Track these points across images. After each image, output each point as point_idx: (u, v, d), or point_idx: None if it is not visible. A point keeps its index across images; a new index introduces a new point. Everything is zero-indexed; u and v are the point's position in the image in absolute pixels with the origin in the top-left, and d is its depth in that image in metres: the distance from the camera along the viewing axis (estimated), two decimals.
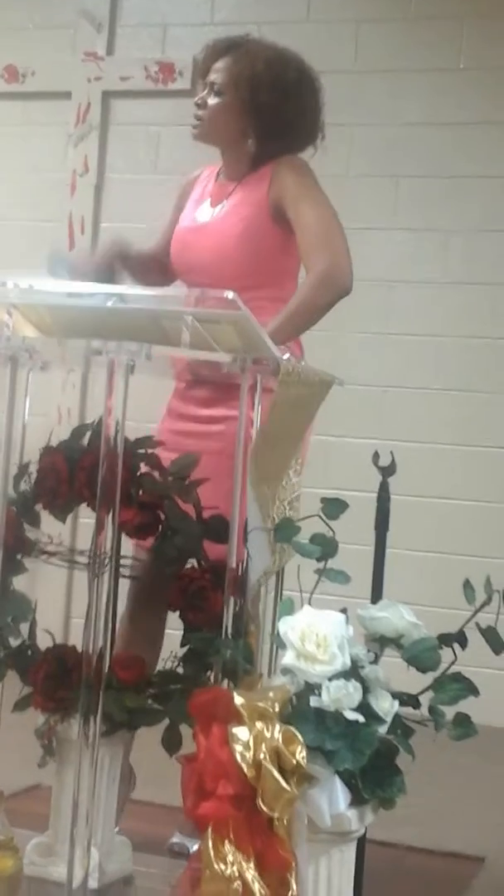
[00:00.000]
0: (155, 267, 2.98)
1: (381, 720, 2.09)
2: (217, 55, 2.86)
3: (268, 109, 2.81)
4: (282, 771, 1.96)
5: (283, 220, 2.78)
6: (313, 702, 2.05)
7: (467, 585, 2.20)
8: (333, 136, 4.75)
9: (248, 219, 2.80)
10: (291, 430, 2.45)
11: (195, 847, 2.65)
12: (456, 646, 2.22)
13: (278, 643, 2.13)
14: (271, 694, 2.06)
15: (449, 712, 2.18)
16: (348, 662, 2.08)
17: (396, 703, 2.12)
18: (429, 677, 2.19)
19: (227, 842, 1.96)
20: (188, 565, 2.48)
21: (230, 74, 2.82)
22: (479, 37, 4.74)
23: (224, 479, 2.46)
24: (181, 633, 2.49)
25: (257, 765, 1.96)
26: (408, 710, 2.17)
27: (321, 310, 2.74)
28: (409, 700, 2.18)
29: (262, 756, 1.96)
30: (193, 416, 2.80)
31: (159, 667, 2.54)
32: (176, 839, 2.78)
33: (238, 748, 1.97)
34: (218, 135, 2.88)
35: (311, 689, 2.07)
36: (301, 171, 2.81)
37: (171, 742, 2.40)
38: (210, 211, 2.88)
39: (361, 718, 2.05)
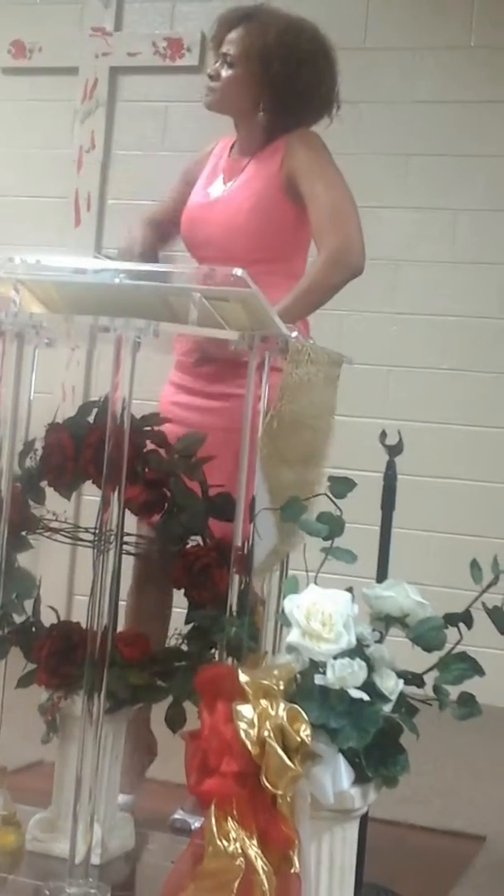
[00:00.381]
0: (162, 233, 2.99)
1: (385, 699, 2.09)
2: (230, 26, 2.84)
3: (280, 81, 2.78)
4: (286, 748, 1.96)
5: (295, 194, 2.76)
6: (318, 680, 2.05)
7: (474, 565, 2.19)
8: (343, 114, 4.78)
9: (259, 193, 2.78)
10: (310, 415, 2.43)
11: (197, 824, 2.67)
12: (461, 626, 2.22)
13: (283, 621, 2.13)
14: (276, 672, 2.07)
15: (453, 692, 2.19)
16: (353, 641, 2.08)
17: (401, 682, 2.12)
18: (434, 657, 2.20)
19: (230, 818, 1.96)
20: (192, 542, 2.48)
21: (243, 46, 2.79)
22: (490, 15, 4.71)
23: (226, 456, 2.46)
24: (186, 610, 2.49)
25: (261, 742, 1.96)
26: (412, 689, 2.17)
27: (332, 289, 2.73)
28: (413, 679, 2.18)
29: (266, 733, 1.96)
30: (197, 391, 2.79)
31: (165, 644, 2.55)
32: (178, 815, 2.79)
33: (242, 725, 1.97)
34: (230, 106, 2.86)
35: (316, 667, 2.07)
36: (315, 145, 2.80)
37: (175, 719, 2.40)
38: (223, 187, 2.86)
39: (366, 697, 2.05)
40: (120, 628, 2.54)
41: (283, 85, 2.79)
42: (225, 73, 2.83)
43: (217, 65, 2.84)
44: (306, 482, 2.40)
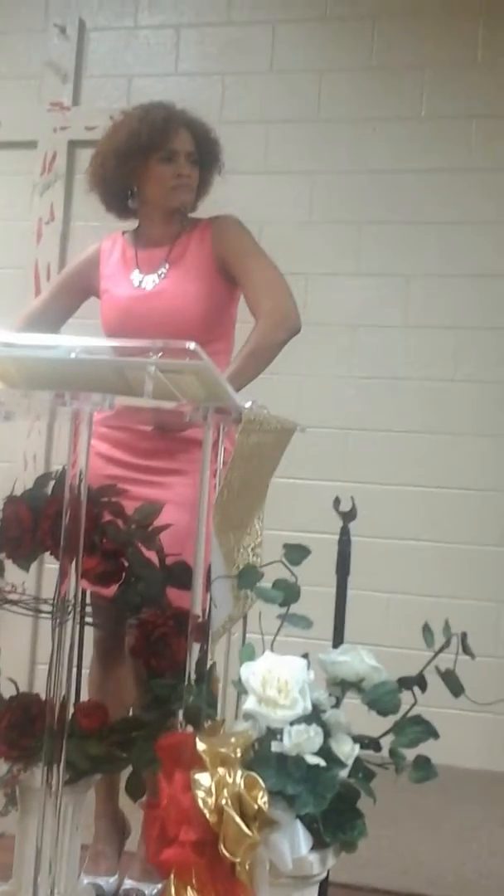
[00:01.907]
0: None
1: (342, 764, 2.11)
2: (177, 126, 2.94)
3: (213, 176, 3.03)
4: (243, 816, 1.98)
5: (227, 275, 2.92)
6: (275, 746, 2.07)
7: (426, 629, 2.23)
8: (297, 184, 4.89)
9: (199, 278, 2.90)
10: (255, 478, 2.48)
11: (149, 891, 2.68)
12: (416, 689, 2.25)
13: (239, 688, 2.16)
14: (233, 739, 2.09)
15: (409, 755, 2.21)
16: (309, 707, 2.11)
17: (357, 746, 2.15)
18: (389, 720, 2.23)
19: (189, 888, 1.97)
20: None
21: (208, 146, 2.98)
22: (440, 86, 4.84)
23: (174, 530, 2.52)
24: None
25: (219, 810, 1.98)
26: (369, 753, 2.20)
27: (277, 347, 2.84)
28: (369, 743, 2.21)
29: (223, 801, 1.98)
30: (135, 465, 2.85)
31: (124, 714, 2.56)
32: (128, 885, 2.80)
33: (200, 794, 1.99)
34: (194, 202, 3.03)
35: (273, 733, 2.09)
36: (240, 229, 2.98)
37: (135, 789, 2.41)
38: (151, 277, 2.94)
39: (323, 762, 2.07)
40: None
41: (212, 178, 3.05)
42: (194, 172, 2.97)
43: (185, 163, 2.94)
44: (243, 544, 2.44)
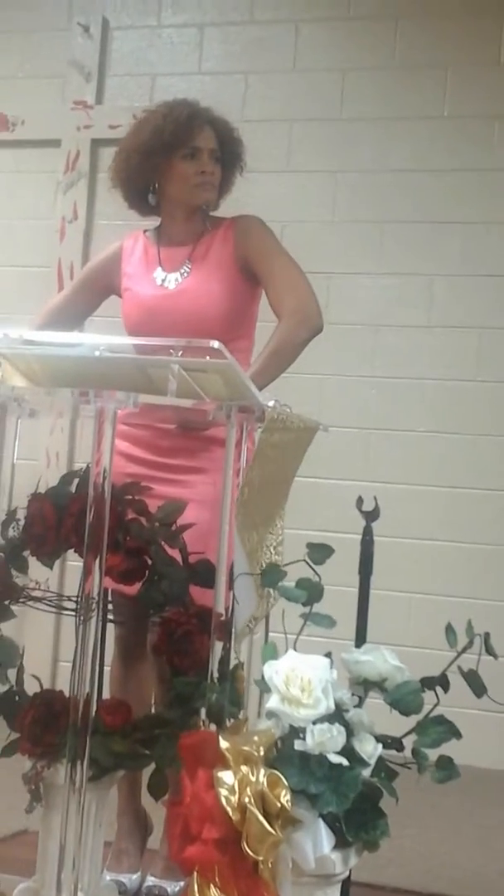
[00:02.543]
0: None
1: (364, 763, 2.12)
2: (201, 123, 2.94)
3: (235, 175, 3.03)
4: (266, 814, 1.99)
5: (249, 273, 2.92)
6: (298, 745, 2.07)
7: (449, 629, 2.23)
8: (320, 183, 4.89)
9: (223, 278, 2.91)
10: (278, 477, 2.48)
11: (172, 888, 2.69)
12: (438, 689, 2.25)
13: (262, 687, 2.16)
14: (256, 738, 2.09)
15: (432, 755, 2.21)
16: (332, 706, 2.11)
17: (380, 746, 2.15)
18: (412, 720, 2.22)
19: (212, 886, 1.97)
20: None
21: (231, 145, 2.98)
22: (463, 85, 4.83)
23: (194, 529, 2.52)
24: None
25: (242, 808, 1.98)
26: (391, 753, 2.20)
27: (300, 346, 2.84)
28: (392, 743, 2.21)
29: (246, 800, 1.98)
30: (155, 463, 2.85)
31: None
32: (150, 882, 2.80)
33: (223, 792, 1.99)
34: (217, 201, 3.03)
35: (296, 732, 2.09)
36: (263, 229, 2.98)
37: (158, 787, 2.41)
38: (173, 276, 2.95)
39: (345, 762, 2.08)
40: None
41: (235, 177, 3.05)
42: (217, 169, 2.97)
43: (208, 161, 2.94)
44: (265, 543, 2.45)
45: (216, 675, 2.34)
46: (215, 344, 2.24)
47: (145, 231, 3.08)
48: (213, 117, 2.98)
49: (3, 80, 5.36)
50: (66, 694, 2.33)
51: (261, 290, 2.95)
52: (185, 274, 2.93)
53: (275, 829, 1.98)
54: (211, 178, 2.95)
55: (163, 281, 2.95)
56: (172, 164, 2.93)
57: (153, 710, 2.67)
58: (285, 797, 2.00)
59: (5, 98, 5.30)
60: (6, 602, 2.51)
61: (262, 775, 2.01)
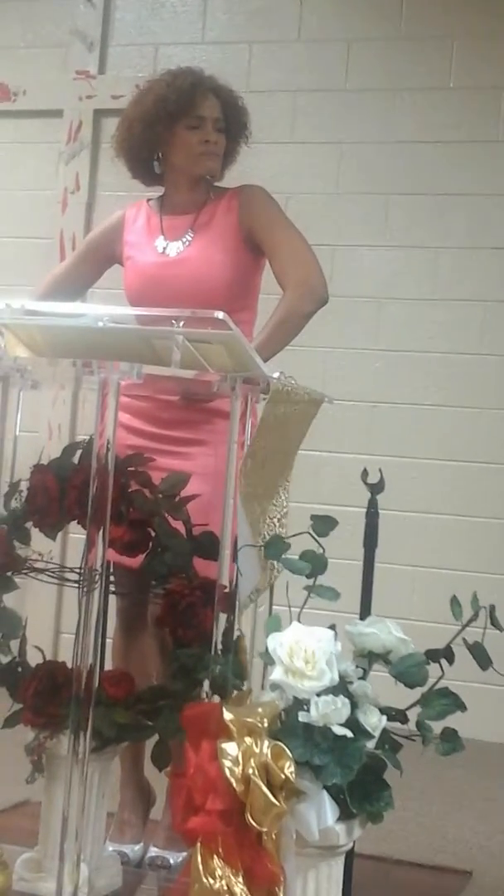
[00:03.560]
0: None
1: (369, 735, 2.11)
2: (204, 92, 2.91)
3: (241, 143, 3.01)
4: (270, 786, 1.98)
5: (253, 244, 2.90)
6: (302, 717, 2.07)
7: (454, 601, 2.22)
8: (324, 154, 4.86)
9: (225, 247, 2.88)
10: (281, 449, 2.47)
11: (174, 859, 2.70)
12: (443, 661, 2.24)
13: (266, 659, 2.15)
14: (260, 709, 2.09)
15: (436, 727, 2.21)
16: (336, 678, 2.10)
17: (384, 718, 2.15)
18: (416, 692, 2.22)
19: (215, 856, 1.98)
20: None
21: (236, 113, 2.95)
22: (469, 56, 4.78)
23: (201, 500, 2.52)
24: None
25: (246, 780, 1.98)
26: (395, 725, 2.20)
27: (305, 318, 2.83)
28: (396, 715, 2.20)
29: (250, 771, 1.98)
30: (155, 435, 2.83)
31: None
32: (154, 852, 2.81)
33: (227, 763, 1.99)
34: (221, 170, 2.99)
35: (300, 704, 2.09)
36: (267, 199, 2.96)
37: (161, 758, 2.41)
38: (175, 244, 2.92)
39: (349, 733, 2.07)
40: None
41: (237, 148, 3.02)
42: (220, 139, 2.94)
43: (212, 130, 2.91)
44: (269, 515, 2.44)
45: (220, 646, 2.33)
46: (220, 314, 2.22)
47: (148, 200, 3.05)
48: (218, 86, 2.96)
49: (5, 49, 5.32)
50: (69, 665, 2.33)
51: (264, 261, 2.93)
52: (187, 242, 2.91)
53: (278, 801, 1.98)
54: (214, 147, 2.93)
55: (164, 249, 2.93)
56: (176, 133, 2.90)
57: (155, 683, 2.67)
58: (289, 769, 2.00)
59: (7, 68, 5.26)
60: (9, 573, 2.50)
61: (265, 747, 2.01)
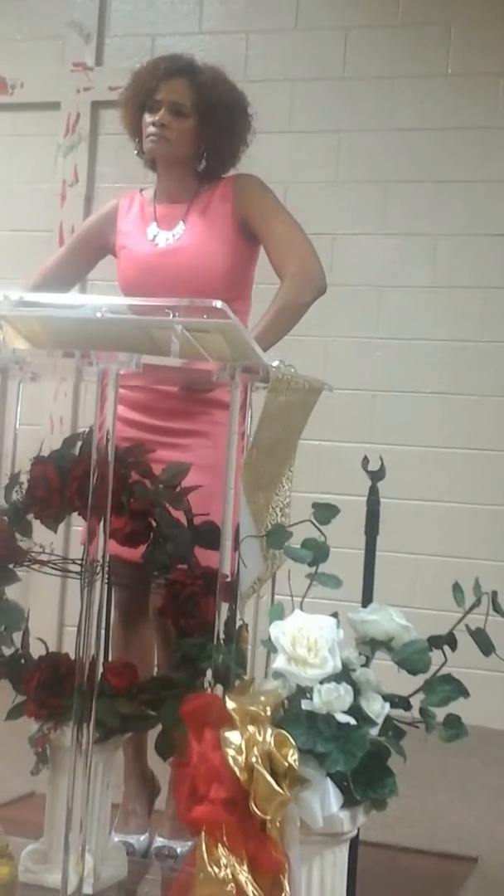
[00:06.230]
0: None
1: (372, 722, 2.11)
2: (167, 75, 2.89)
3: (225, 131, 2.92)
4: (274, 774, 1.98)
5: (248, 234, 2.89)
6: (305, 705, 2.06)
7: (456, 588, 2.22)
8: (323, 143, 4.85)
9: (220, 236, 2.87)
10: (283, 438, 2.47)
11: (181, 849, 2.70)
12: (446, 648, 2.24)
13: (269, 648, 2.15)
14: (263, 698, 2.08)
15: (440, 714, 2.21)
16: (339, 666, 2.10)
17: (387, 705, 2.14)
18: (419, 679, 2.22)
19: (220, 845, 1.97)
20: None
21: (198, 97, 2.88)
22: (467, 43, 4.78)
23: (201, 491, 2.52)
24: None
25: (249, 768, 1.98)
26: (399, 712, 2.19)
27: (303, 307, 2.83)
28: (399, 702, 2.20)
29: (254, 759, 1.98)
30: (153, 427, 2.82)
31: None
32: (160, 842, 2.81)
33: (230, 752, 1.99)
34: (177, 155, 2.92)
35: (303, 692, 2.09)
36: (262, 189, 2.94)
37: (165, 747, 2.41)
38: (169, 234, 2.91)
39: (353, 721, 2.07)
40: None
41: (226, 135, 2.92)
42: (178, 122, 2.88)
43: (163, 113, 2.88)
44: (272, 505, 2.43)
45: (222, 636, 2.33)
46: (217, 303, 2.22)
47: (142, 189, 3.05)
48: (195, 71, 2.92)
49: (2, 42, 5.32)
50: (72, 657, 2.33)
51: (259, 251, 2.92)
52: (182, 231, 2.89)
53: (282, 789, 1.97)
54: (162, 130, 2.87)
55: (156, 237, 2.92)
56: (142, 118, 2.92)
57: (155, 673, 2.67)
58: (293, 756, 1.99)
59: (4, 60, 5.26)
60: (11, 565, 2.50)
61: (269, 735, 2.01)
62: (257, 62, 4.96)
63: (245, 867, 1.98)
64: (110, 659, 2.61)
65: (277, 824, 1.99)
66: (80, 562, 2.26)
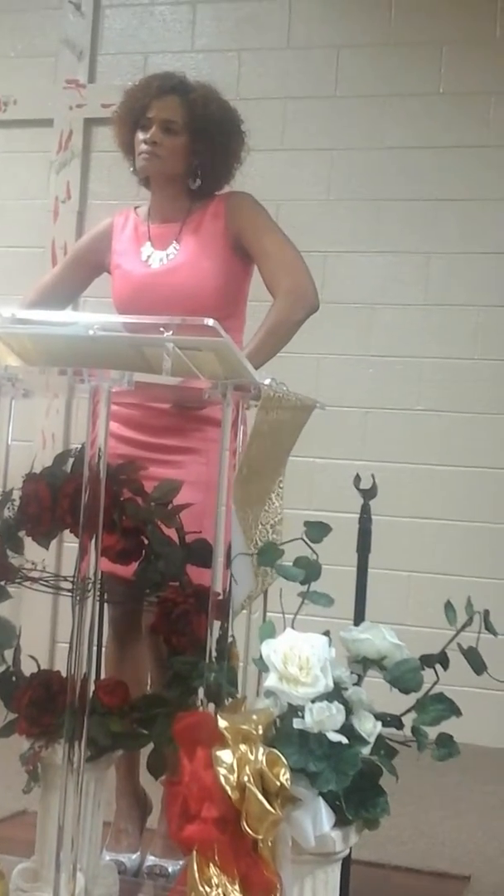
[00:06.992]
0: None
1: (364, 741, 2.10)
2: (159, 93, 2.91)
3: (218, 149, 2.93)
4: (266, 793, 1.97)
5: (241, 250, 2.89)
6: (297, 724, 2.06)
7: (448, 606, 2.22)
8: (315, 161, 4.86)
9: (215, 256, 2.88)
10: (274, 455, 2.47)
11: (172, 868, 2.69)
12: (438, 666, 2.24)
13: (260, 666, 2.15)
14: (255, 716, 2.08)
15: (432, 733, 2.20)
16: (331, 684, 2.09)
17: (379, 724, 2.14)
18: (411, 698, 2.21)
19: (211, 864, 1.97)
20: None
21: (189, 115, 2.89)
22: (459, 62, 4.80)
23: (193, 508, 2.52)
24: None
25: (241, 787, 1.97)
26: (391, 731, 2.19)
27: (296, 326, 2.83)
28: (391, 721, 2.19)
29: (245, 778, 1.97)
30: (145, 444, 2.83)
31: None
32: (151, 861, 2.80)
33: (222, 771, 1.98)
34: (168, 173, 2.93)
35: (295, 711, 2.08)
36: (255, 206, 2.95)
37: (157, 766, 2.41)
38: (164, 253, 2.92)
39: (345, 740, 2.06)
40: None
41: (219, 151, 2.93)
42: (169, 140, 2.89)
43: (156, 131, 2.89)
44: (261, 521, 2.43)
45: (214, 654, 2.33)
46: (209, 321, 2.22)
47: (136, 207, 3.05)
48: (186, 89, 2.93)
49: None
50: (64, 674, 2.32)
51: (252, 268, 2.93)
52: (176, 251, 2.90)
53: (274, 808, 1.97)
54: (154, 147, 2.89)
55: (150, 257, 2.92)
56: (135, 137, 2.94)
57: (148, 691, 2.66)
58: (284, 776, 1.99)
59: None
60: (2, 582, 2.49)
61: (261, 754, 2.00)
62: (250, 80, 4.98)
63: (237, 886, 1.97)
64: (102, 676, 2.61)
65: (269, 844, 1.98)
66: (72, 579, 2.26)
